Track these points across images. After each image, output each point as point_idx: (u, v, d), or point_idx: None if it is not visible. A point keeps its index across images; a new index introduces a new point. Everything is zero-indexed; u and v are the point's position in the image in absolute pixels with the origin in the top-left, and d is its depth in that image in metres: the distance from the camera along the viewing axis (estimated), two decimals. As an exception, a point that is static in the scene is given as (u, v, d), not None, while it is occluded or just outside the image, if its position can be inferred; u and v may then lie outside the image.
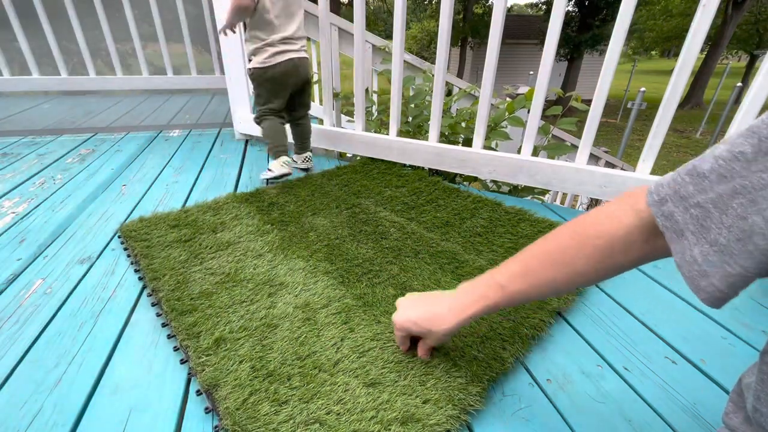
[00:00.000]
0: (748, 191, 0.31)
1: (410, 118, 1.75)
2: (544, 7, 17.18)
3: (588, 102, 1.16)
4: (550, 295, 0.50)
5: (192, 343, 0.69)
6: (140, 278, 0.90)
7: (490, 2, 17.73)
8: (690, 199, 0.35)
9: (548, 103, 1.35)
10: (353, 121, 1.64)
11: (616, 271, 0.44)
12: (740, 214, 0.31)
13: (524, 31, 16.40)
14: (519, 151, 1.34)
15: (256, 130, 1.88)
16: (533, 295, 0.51)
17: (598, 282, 0.47)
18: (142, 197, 1.33)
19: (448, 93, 2.13)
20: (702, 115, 11.14)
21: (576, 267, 0.45)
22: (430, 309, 0.61)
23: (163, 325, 0.76)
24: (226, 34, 1.28)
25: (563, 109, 1.41)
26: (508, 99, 1.83)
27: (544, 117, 1.28)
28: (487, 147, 1.42)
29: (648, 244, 0.41)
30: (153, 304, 0.82)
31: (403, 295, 0.82)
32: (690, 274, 0.35)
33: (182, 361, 0.68)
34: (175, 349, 0.71)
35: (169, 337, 0.73)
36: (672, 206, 0.36)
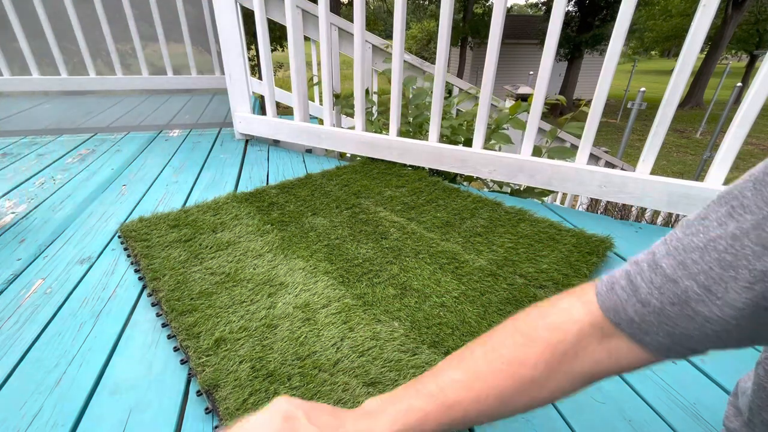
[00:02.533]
0: (678, 252, 0.31)
1: (411, 119, 1.75)
2: (543, 8, 17.19)
3: (588, 102, 1.16)
4: (495, 410, 0.37)
5: (192, 343, 0.69)
6: (140, 278, 0.90)
7: (490, 2, 17.73)
8: (629, 264, 0.34)
9: (547, 104, 1.35)
10: (353, 123, 1.64)
11: (569, 382, 0.36)
12: (669, 276, 0.30)
13: (524, 31, 16.40)
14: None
15: (256, 130, 1.88)
16: (475, 408, 0.36)
17: (554, 400, 0.37)
18: (142, 197, 1.33)
19: (449, 93, 2.13)
20: (702, 115, 11.14)
21: (526, 369, 0.35)
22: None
23: (163, 325, 0.76)
24: None
25: (572, 113, 1.41)
26: (508, 99, 1.84)
27: (552, 121, 1.28)
28: (488, 148, 1.42)
29: (602, 346, 0.35)
30: (153, 304, 0.82)
31: (403, 294, 0.82)
32: (631, 331, 0.33)
33: (182, 362, 0.68)
34: (175, 349, 0.71)
35: (169, 337, 0.73)
36: (616, 275, 0.35)
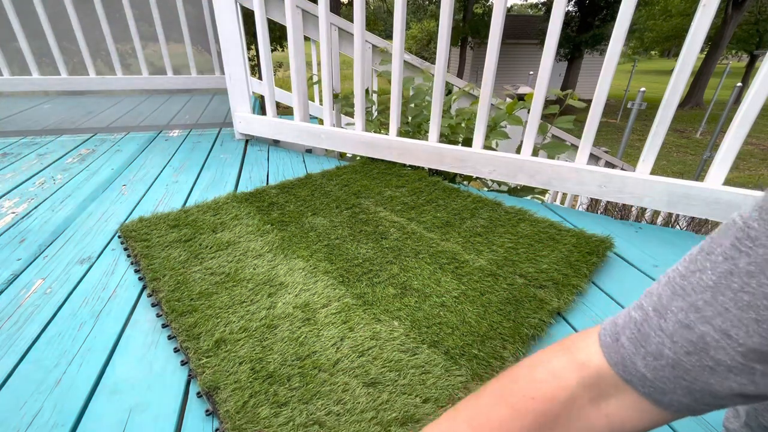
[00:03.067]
0: (687, 294, 0.27)
1: (410, 118, 1.75)
2: (543, 8, 17.18)
3: (588, 102, 1.16)
4: None
5: (192, 344, 0.69)
6: (140, 278, 0.90)
7: (490, 2, 17.73)
8: (630, 311, 0.31)
9: (548, 104, 1.35)
10: (353, 122, 1.64)
11: None
12: (681, 321, 0.27)
13: (524, 31, 16.40)
14: (518, 151, 1.34)
15: (256, 130, 1.88)
16: None
17: None
18: (142, 197, 1.33)
19: (448, 92, 2.13)
20: (702, 115, 11.14)
21: None
22: None
23: (164, 325, 0.76)
24: None
25: (560, 107, 1.41)
26: (508, 99, 1.83)
27: (542, 116, 1.29)
28: (487, 147, 1.42)
29: (595, 408, 0.32)
30: (153, 305, 0.82)
31: (403, 294, 0.82)
32: (646, 391, 0.30)
33: (183, 363, 0.68)
34: (176, 350, 0.71)
35: (169, 338, 0.73)
36: (619, 321, 0.32)
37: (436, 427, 0.37)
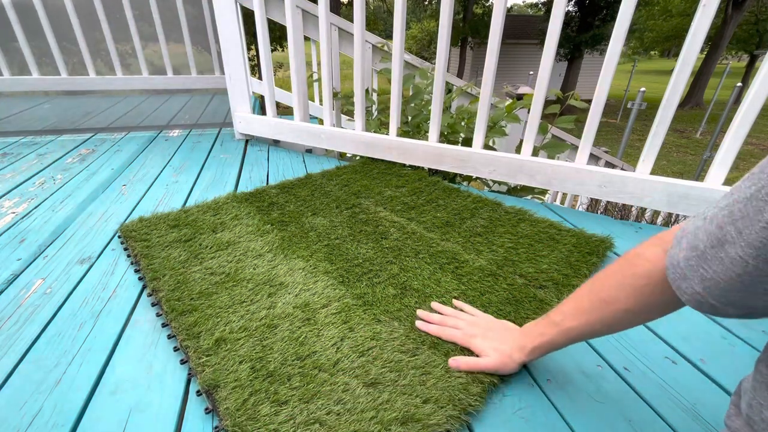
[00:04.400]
0: (730, 205, 0.33)
1: (409, 118, 1.75)
2: (543, 8, 17.18)
3: (588, 102, 1.16)
4: (603, 332, 0.53)
5: (192, 343, 0.69)
6: (140, 278, 0.90)
7: (490, 2, 17.73)
8: (697, 220, 0.38)
9: (548, 103, 1.35)
10: (353, 121, 1.64)
11: (659, 311, 0.46)
12: (718, 222, 0.34)
13: (524, 31, 16.40)
14: (518, 150, 1.34)
15: (256, 130, 1.88)
16: (587, 332, 0.54)
17: (650, 321, 0.51)
18: (142, 197, 1.33)
19: (448, 92, 2.13)
20: (702, 115, 11.14)
21: (619, 305, 0.48)
22: (500, 348, 0.65)
23: (163, 325, 0.76)
24: None
25: (561, 107, 1.41)
26: (507, 98, 1.83)
27: (542, 116, 1.29)
28: (486, 146, 1.42)
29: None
30: (153, 304, 0.82)
31: (403, 294, 0.82)
32: (673, 275, 0.38)
33: (182, 362, 0.68)
34: (175, 349, 0.71)
35: (169, 337, 0.73)
36: (690, 226, 0.38)
37: (565, 301, 0.57)
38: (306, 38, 1.83)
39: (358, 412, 0.57)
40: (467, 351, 0.68)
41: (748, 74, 14.90)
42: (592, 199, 2.03)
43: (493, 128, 1.53)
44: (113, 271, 0.93)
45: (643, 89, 4.80)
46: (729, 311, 0.35)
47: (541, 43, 1.19)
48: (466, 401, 0.59)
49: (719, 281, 0.33)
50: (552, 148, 1.47)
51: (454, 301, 0.80)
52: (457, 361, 0.65)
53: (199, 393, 0.62)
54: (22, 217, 1.18)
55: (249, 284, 0.84)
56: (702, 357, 0.72)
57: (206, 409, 0.59)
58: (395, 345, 0.69)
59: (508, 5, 1.21)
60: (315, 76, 2.26)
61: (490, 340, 0.67)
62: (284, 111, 2.58)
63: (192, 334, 0.70)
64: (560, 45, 11.89)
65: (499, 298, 0.82)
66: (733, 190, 0.35)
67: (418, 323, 0.73)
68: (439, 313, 0.76)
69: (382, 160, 1.57)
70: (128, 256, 0.99)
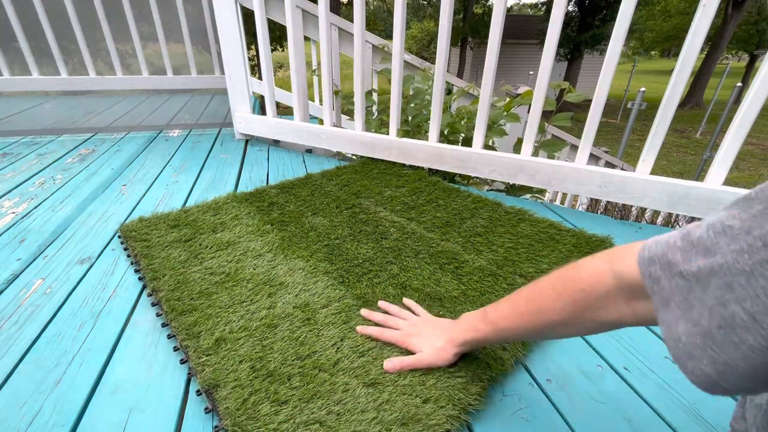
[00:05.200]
0: (724, 273, 0.29)
1: (410, 118, 1.75)
2: (543, 8, 17.19)
3: (588, 102, 1.16)
4: (534, 337, 0.56)
5: (192, 343, 0.69)
6: (140, 278, 0.90)
7: (490, 2, 17.73)
8: (675, 267, 0.33)
9: (548, 102, 1.35)
10: (353, 121, 1.64)
11: (595, 326, 0.44)
12: (718, 297, 0.29)
13: (524, 31, 16.40)
14: (516, 149, 1.34)
15: (256, 130, 1.88)
16: (518, 335, 0.56)
17: (581, 335, 0.49)
18: (142, 197, 1.33)
19: (448, 92, 2.13)
20: (702, 115, 11.14)
21: (554, 315, 0.47)
22: (434, 344, 0.65)
23: (163, 325, 0.76)
24: None
25: (557, 104, 1.40)
26: (506, 97, 1.83)
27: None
28: (485, 145, 1.42)
29: (629, 307, 0.39)
30: (153, 304, 0.82)
31: (403, 295, 0.82)
32: (676, 352, 0.33)
33: (182, 361, 0.68)
34: (175, 349, 0.71)
35: (169, 337, 0.73)
36: (659, 270, 0.34)
37: (515, 292, 0.55)
38: (306, 38, 1.83)
39: (358, 412, 0.57)
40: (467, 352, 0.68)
41: (748, 74, 14.90)
42: (592, 199, 2.03)
43: (493, 128, 1.53)
44: (113, 271, 0.93)
45: (643, 89, 4.80)
46: (746, 392, 0.33)
47: (541, 43, 1.19)
48: (465, 401, 0.59)
49: (737, 367, 0.29)
50: (550, 146, 1.47)
51: (405, 300, 0.81)
52: (392, 362, 0.65)
53: (198, 393, 0.62)
54: (22, 217, 1.18)
55: (249, 284, 0.84)
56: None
57: (206, 408, 0.59)
58: (395, 345, 0.69)
59: (508, 5, 1.21)
60: (317, 72, 2.26)
61: (425, 337, 0.67)
62: (284, 111, 2.58)
63: (192, 333, 0.70)
64: (560, 45, 11.89)
65: (499, 298, 0.81)
66: (713, 241, 0.30)
67: (359, 327, 0.73)
68: (384, 311, 0.77)
69: (382, 160, 1.57)
70: (128, 256, 0.99)
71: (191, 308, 0.76)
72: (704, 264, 0.30)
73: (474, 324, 0.60)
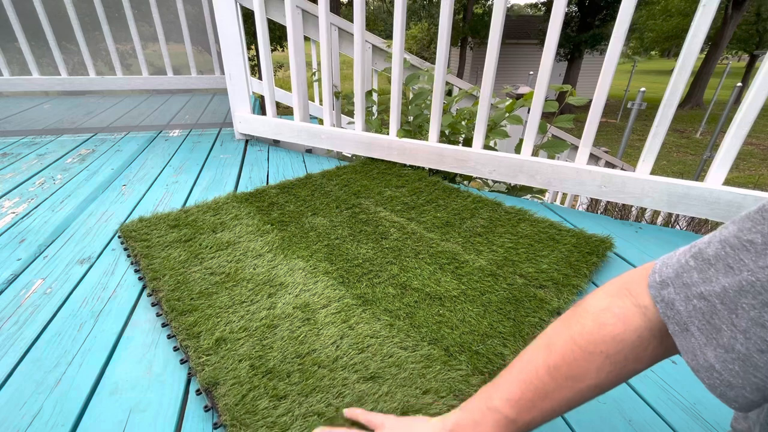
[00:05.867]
0: (758, 291, 0.26)
1: (410, 118, 1.75)
2: (543, 8, 17.19)
3: (588, 102, 1.16)
4: (561, 413, 0.40)
5: (192, 343, 0.69)
6: (140, 278, 0.90)
7: (490, 2, 17.74)
8: (693, 288, 0.30)
9: (550, 104, 1.35)
10: (353, 122, 1.64)
11: (630, 376, 0.38)
12: (755, 318, 0.26)
13: (524, 31, 16.41)
14: (517, 149, 1.34)
15: (256, 130, 1.88)
16: (545, 420, 0.40)
17: (613, 388, 0.39)
18: (142, 197, 1.33)
19: (449, 93, 2.13)
20: (702, 115, 11.14)
21: (589, 381, 0.37)
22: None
23: (163, 325, 0.76)
24: None
25: (559, 105, 1.41)
26: (507, 98, 1.83)
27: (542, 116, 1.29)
28: (486, 146, 1.42)
29: (663, 345, 0.35)
30: (153, 304, 0.82)
31: (403, 294, 0.82)
32: (711, 382, 0.30)
33: (182, 361, 0.68)
34: (175, 349, 0.71)
35: (169, 337, 0.73)
36: (673, 292, 0.32)
37: (516, 368, 0.41)
38: (306, 38, 1.83)
39: (357, 404, 0.57)
40: (467, 347, 0.68)
41: (748, 74, 14.90)
42: (592, 199, 2.03)
43: (494, 129, 1.53)
44: (113, 271, 0.93)
45: (643, 89, 4.80)
46: None
47: (541, 43, 1.19)
48: (466, 392, 0.60)
49: None
50: (551, 147, 1.47)
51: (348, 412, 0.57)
52: None
53: (198, 392, 0.62)
54: (22, 217, 1.18)
55: (249, 284, 0.84)
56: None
57: (205, 407, 0.59)
58: (395, 342, 0.69)
59: (508, 5, 1.21)
60: (316, 76, 2.26)
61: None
62: (284, 111, 2.58)
63: (192, 333, 0.70)
64: (560, 45, 11.91)
65: (499, 298, 0.82)
66: (735, 258, 0.28)
67: None
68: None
69: (382, 160, 1.57)
70: (128, 256, 0.99)
71: (191, 308, 0.76)
72: (729, 283, 0.28)
73: (477, 416, 0.42)
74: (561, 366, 0.38)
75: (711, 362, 0.29)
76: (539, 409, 0.39)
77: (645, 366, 0.36)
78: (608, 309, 0.36)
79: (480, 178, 1.50)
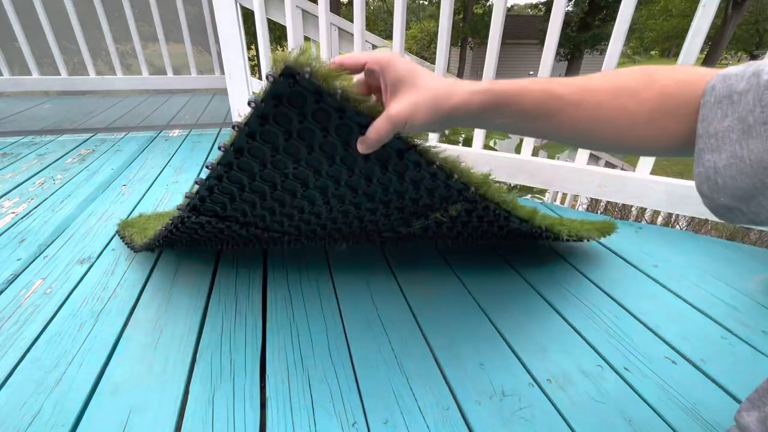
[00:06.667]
0: None
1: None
2: (543, 8, 17.19)
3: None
4: (578, 129, 0.38)
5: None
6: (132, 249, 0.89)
7: (490, 2, 17.74)
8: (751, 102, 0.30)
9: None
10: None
11: (660, 138, 0.37)
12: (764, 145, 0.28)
13: (524, 31, 16.41)
14: (517, 150, 1.34)
15: (256, 130, 1.87)
16: (565, 115, 0.38)
17: (626, 152, 0.40)
18: (143, 197, 1.33)
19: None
20: (702, 115, 11.11)
21: (632, 103, 0.36)
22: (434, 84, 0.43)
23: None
24: None
25: None
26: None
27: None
28: (486, 146, 1.42)
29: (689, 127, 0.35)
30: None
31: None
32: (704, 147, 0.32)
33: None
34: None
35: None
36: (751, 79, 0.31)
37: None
38: (306, 38, 1.83)
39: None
40: None
41: (748, 74, 14.85)
42: (592, 199, 2.03)
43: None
44: (113, 271, 0.93)
45: (643, 89, 4.79)
46: None
47: (541, 43, 1.19)
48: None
49: (752, 197, 0.30)
50: (552, 148, 1.47)
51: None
52: (365, 139, 0.47)
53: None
54: (22, 217, 1.18)
55: (249, 284, 0.84)
56: (702, 357, 0.72)
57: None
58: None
59: (508, 5, 1.21)
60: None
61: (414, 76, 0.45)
62: (284, 111, 2.57)
63: None
64: (560, 45, 11.89)
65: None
66: None
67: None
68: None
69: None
70: (123, 241, 0.98)
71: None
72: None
73: (506, 86, 0.39)
74: (618, 77, 0.37)
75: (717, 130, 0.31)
76: (578, 95, 0.37)
77: (678, 131, 0.36)
78: (691, 69, 0.36)
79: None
